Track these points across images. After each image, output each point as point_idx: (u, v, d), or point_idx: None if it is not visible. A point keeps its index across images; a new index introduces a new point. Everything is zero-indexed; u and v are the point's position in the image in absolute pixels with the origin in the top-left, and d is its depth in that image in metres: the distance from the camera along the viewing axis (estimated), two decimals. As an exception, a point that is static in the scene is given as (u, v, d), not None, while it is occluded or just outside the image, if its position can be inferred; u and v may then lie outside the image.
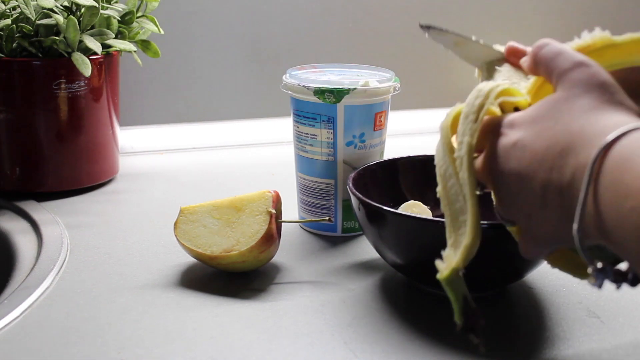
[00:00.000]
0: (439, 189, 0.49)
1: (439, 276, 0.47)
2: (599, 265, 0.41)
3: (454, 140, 0.49)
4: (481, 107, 0.47)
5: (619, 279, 0.41)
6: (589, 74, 0.44)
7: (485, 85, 0.48)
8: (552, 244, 0.45)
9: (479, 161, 0.48)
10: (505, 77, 0.52)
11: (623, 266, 0.42)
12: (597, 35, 0.48)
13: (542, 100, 0.45)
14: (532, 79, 0.50)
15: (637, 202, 0.36)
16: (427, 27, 0.54)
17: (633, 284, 0.41)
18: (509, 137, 0.45)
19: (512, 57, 0.53)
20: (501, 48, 0.54)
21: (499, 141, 0.46)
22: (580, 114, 0.42)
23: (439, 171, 0.49)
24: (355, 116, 0.70)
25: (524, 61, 0.50)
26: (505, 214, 0.48)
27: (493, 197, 0.49)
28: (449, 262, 0.47)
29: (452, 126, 0.49)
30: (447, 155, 0.48)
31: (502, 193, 0.46)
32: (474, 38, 0.55)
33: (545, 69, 0.47)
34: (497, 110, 0.49)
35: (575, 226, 0.40)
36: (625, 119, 0.41)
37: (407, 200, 0.70)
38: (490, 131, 0.47)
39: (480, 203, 0.47)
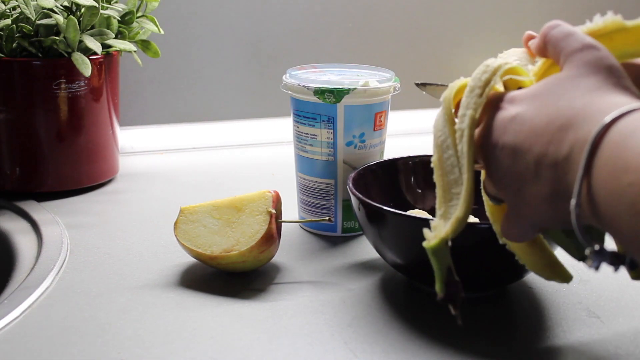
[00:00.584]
0: (433, 158, 0.48)
1: (426, 244, 0.47)
2: (596, 247, 0.40)
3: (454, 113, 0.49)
4: (487, 82, 0.47)
5: (616, 261, 0.40)
6: (597, 56, 0.44)
7: (493, 61, 0.48)
8: (536, 224, 0.45)
9: (475, 134, 0.48)
10: (515, 58, 0.52)
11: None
12: (608, 19, 0.48)
13: (547, 78, 0.45)
14: (540, 62, 0.49)
15: (636, 177, 0.36)
16: (422, 85, 0.56)
17: (631, 267, 0.41)
18: (508, 111, 0.45)
19: (527, 44, 0.53)
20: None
21: (497, 114, 0.46)
22: (585, 93, 0.42)
23: (436, 141, 0.49)
24: (355, 116, 0.70)
25: (533, 42, 0.50)
26: (493, 189, 0.48)
27: (482, 172, 0.49)
28: (437, 231, 0.47)
29: (454, 99, 0.49)
30: (447, 126, 0.48)
31: (493, 167, 0.46)
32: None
33: (553, 49, 0.47)
34: (501, 88, 0.49)
35: (573, 201, 0.39)
36: (628, 100, 0.41)
37: (407, 200, 0.70)
38: (491, 105, 0.47)
39: (475, 179, 0.47)
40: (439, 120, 0.49)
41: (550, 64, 0.49)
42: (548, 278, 0.51)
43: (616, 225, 0.37)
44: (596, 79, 0.43)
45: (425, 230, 0.47)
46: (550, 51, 0.48)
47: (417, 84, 0.54)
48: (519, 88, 0.48)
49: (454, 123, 0.48)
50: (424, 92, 0.56)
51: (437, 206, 0.48)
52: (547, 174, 0.42)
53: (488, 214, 0.51)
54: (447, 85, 0.53)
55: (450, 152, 0.47)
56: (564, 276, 0.51)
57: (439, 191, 0.48)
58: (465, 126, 0.46)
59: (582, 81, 0.43)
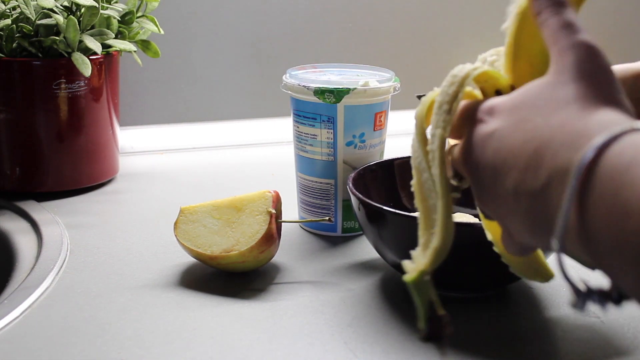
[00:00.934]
0: (413, 182, 0.45)
1: (405, 278, 0.43)
2: (583, 287, 0.36)
3: (429, 130, 0.45)
4: (455, 95, 0.43)
5: (604, 300, 0.36)
6: (584, 57, 0.38)
7: (460, 70, 0.43)
8: (530, 247, 0.42)
9: (456, 150, 0.44)
10: (494, 57, 0.47)
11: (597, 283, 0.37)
12: None
13: (528, 84, 0.40)
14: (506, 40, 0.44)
15: None
16: (424, 96, 0.51)
17: (617, 302, 0.36)
18: (487, 125, 0.40)
19: None
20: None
21: (476, 129, 0.41)
22: (563, 106, 0.37)
23: (413, 163, 0.45)
24: (355, 116, 0.69)
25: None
26: (481, 207, 0.44)
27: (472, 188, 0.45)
28: (417, 263, 0.43)
29: (427, 115, 0.45)
30: (421, 147, 0.44)
31: (476, 186, 0.42)
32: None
33: (547, 37, 0.41)
34: (478, 93, 0.45)
35: (555, 243, 0.35)
36: (614, 118, 0.35)
37: (407, 201, 0.70)
38: (469, 117, 0.42)
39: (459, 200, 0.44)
40: (414, 141, 0.45)
41: (514, 52, 0.43)
42: (530, 278, 0.49)
43: (618, 273, 0.33)
44: (578, 88, 0.37)
45: (405, 262, 0.43)
46: (545, 36, 0.41)
47: (418, 96, 0.51)
48: (497, 91, 0.44)
49: (427, 143, 0.44)
50: None
51: (419, 234, 0.44)
52: (526, 204, 0.37)
53: (483, 226, 0.48)
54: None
55: (426, 175, 0.44)
56: (546, 275, 0.48)
57: (420, 217, 0.44)
58: (436, 147, 0.43)
59: (561, 90, 0.37)
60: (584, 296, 0.36)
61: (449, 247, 0.42)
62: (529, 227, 0.38)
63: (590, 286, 0.36)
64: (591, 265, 0.36)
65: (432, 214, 0.43)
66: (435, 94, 0.45)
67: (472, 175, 0.42)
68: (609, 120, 0.35)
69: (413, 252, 0.44)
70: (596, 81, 0.37)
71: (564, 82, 0.38)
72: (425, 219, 0.44)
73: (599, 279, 0.37)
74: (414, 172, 0.45)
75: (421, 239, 0.44)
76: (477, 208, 0.46)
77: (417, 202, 0.45)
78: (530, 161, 0.36)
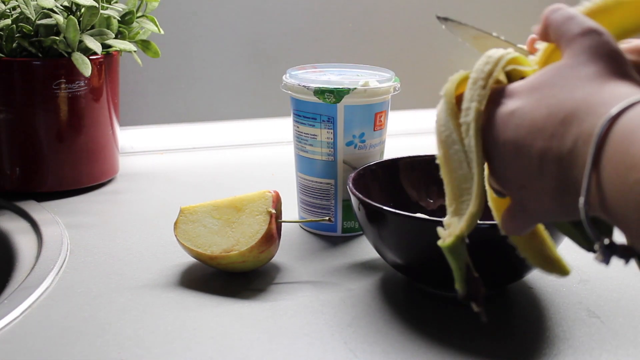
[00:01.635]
0: (439, 155, 0.47)
1: (441, 243, 0.46)
2: (606, 241, 0.39)
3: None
4: (490, 73, 0.46)
5: (626, 254, 0.39)
6: (598, 42, 0.42)
7: (495, 52, 0.47)
8: (543, 218, 0.45)
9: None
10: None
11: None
12: None
13: (546, 67, 0.44)
14: (542, 48, 0.48)
15: None
16: (444, 19, 0.53)
17: (638, 257, 0.40)
18: (507, 106, 0.44)
19: (532, 46, 0.51)
20: (524, 46, 0.53)
21: (497, 110, 0.45)
22: (585, 82, 0.41)
23: (440, 137, 0.48)
24: (355, 116, 0.70)
25: (536, 28, 0.49)
26: (497, 185, 0.47)
27: (485, 166, 0.48)
28: (452, 229, 0.46)
29: (455, 92, 0.48)
30: (451, 120, 0.47)
31: (496, 163, 0.45)
32: (494, 34, 0.54)
33: (555, 34, 0.46)
34: (504, 79, 0.48)
35: (582, 199, 0.38)
36: (632, 91, 0.40)
37: (407, 200, 0.70)
38: (490, 101, 0.46)
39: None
40: (440, 115, 0.48)
41: (552, 49, 0.48)
42: (547, 271, 0.50)
43: (625, 222, 0.37)
44: (597, 67, 0.41)
45: (439, 229, 0.46)
46: (551, 36, 0.46)
47: (438, 17, 0.52)
48: (522, 78, 0.47)
49: (458, 117, 0.47)
50: (443, 27, 0.55)
51: (447, 203, 0.47)
52: (552, 169, 0.41)
53: (490, 204, 0.50)
54: (471, 27, 0.52)
55: (457, 147, 0.46)
56: (563, 270, 0.50)
57: (447, 188, 0.47)
58: (471, 119, 0.45)
59: (582, 70, 0.42)
60: (607, 250, 0.39)
61: (482, 212, 0.46)
62: (553, 192, 0.41)
63: (614, 241, 0.39)
64: (610, 225, 0.40)
65: (461, 183, 0.46)
66: (463, 74, 0.48)
67: (492, 152, 0.45)
68: (625, 92, 0.39)
69: (445, 220, 0.47)
70: (612, 60, 0.42)
71: (583, 62, 0.42)
72: (453, 188, 0.47)
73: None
74: (439, 145, 0.48)
75: (450, 208, 0.47)
76: (488, 185, 0.49)
77: (443, 174, 0.47)
78: (556, 130, 0.40)
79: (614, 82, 0.41)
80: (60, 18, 0.75)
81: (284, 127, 0.99)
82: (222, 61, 1.07)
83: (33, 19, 0.77)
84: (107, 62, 0.83)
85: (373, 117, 0.70)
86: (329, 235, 0.73)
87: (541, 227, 0.50)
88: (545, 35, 0.48)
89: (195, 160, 1.00)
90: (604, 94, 0.40)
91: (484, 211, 0.52)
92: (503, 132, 0.44)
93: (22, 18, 0.78)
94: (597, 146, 0.37)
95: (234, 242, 0.61)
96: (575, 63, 0.42)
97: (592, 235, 0.39)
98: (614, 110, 0.38)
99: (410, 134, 1.10)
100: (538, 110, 0.42)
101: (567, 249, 0.53)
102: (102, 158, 0.86)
